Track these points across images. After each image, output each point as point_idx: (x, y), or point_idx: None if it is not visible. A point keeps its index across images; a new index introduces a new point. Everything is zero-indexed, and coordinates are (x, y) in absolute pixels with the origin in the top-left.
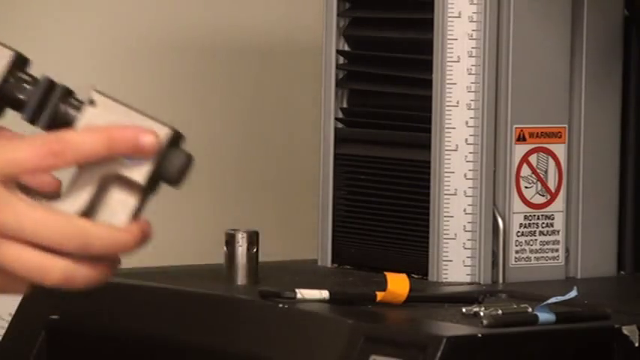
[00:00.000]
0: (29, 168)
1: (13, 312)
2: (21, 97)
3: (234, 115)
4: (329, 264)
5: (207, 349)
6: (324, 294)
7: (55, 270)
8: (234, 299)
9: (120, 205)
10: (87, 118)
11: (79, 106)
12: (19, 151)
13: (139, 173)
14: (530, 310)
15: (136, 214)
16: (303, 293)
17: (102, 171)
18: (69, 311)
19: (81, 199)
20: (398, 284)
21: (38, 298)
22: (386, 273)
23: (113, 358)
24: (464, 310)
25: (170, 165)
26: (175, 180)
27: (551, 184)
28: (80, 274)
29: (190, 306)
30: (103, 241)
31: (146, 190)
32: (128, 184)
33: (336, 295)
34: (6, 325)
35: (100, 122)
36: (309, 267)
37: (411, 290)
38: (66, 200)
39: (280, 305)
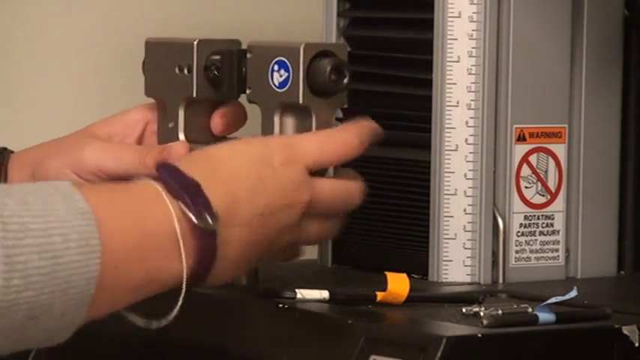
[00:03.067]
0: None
1: None
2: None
3: None
4: (329, 264)
5: (207, 349)
6: (324, 294)
7: (329, 233)
8: (235, 299)
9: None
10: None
11: None
12: (320, 146)
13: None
14: (530, 310)
15: None
16: (303, 293)
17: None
18: None
19: None
20: (398, 284)
21: None
22: (386, 273)
23: (113, 358)
24: (464, 310)
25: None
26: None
27: (551, 184)
28: (336, 228)
29: (190, 306)
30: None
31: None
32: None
33: (336, 296)
34: None
35: None
36: (309, 267)
37: (411, 290)
38: None
39: (280, 305)
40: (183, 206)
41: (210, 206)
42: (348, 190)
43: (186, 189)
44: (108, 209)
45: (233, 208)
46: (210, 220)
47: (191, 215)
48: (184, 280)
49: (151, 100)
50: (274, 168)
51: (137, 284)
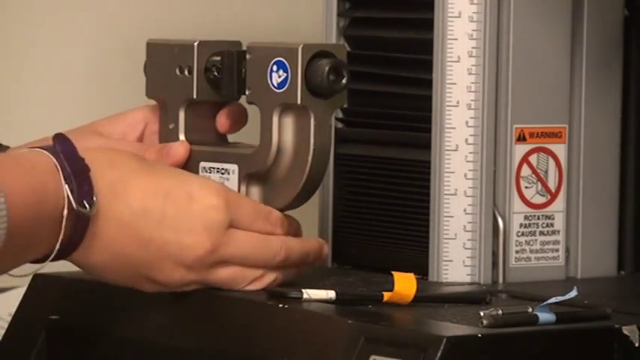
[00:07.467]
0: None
1: (13, 312)
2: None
3: None
4: (329, 264)
5: (207, 350)
6: (331, 294)
7: (244, 282)
8: (235, 299)
9: None
10: None
11: None
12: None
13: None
14: (530, 310)
15: None
16: (310, 293)
17: None
18: (69, 311)
19: None
20: (405, 284)
21: (38, 298)
22: (393, 273)
23: (113, 358)
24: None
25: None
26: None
27: (551, 184)
28: (268, 279)
29: (190, 306)
30: (301, 253)
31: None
32: None
33: (343, 296)
34: (6, 325)
35: None
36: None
37: (418, 291)
38: None
39: (280, 305)
40: (68, 191)
41: (92, 193)
42: (265, 243)
43: (75, 173)
44: (15, 184)
45: (118, 194)
46: (87, 208)
47: (72, 201)
48: (54, 252)
49: (153, 102)
50: (193, 198)
51: (20, 252)
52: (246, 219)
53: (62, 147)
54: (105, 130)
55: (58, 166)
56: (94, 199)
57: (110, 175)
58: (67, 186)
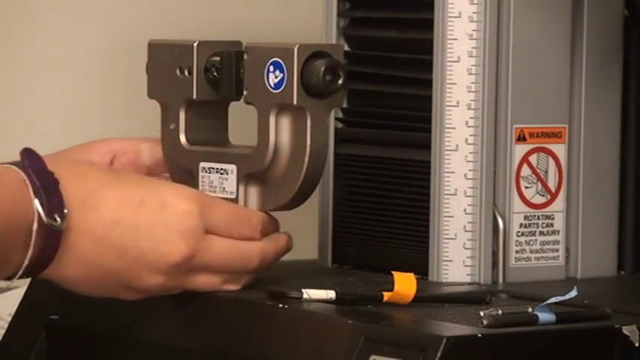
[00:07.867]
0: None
1: (13, 312)
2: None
3: (234, 115)
4: (329, 264)
5: (207, 350)
6: (331, 294)
7: (221, 287)
8: (235, 299)
9: None
10: None
11: None
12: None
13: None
14: (530, 310)
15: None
16: (310, 293)
17: None
18: (69, 311)
19: None
20: (405, 284)
21: (38, 298)
22: (393, 272)
23: (113, 359)
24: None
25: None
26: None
27: (551, 184)
28: (243, 280)
29: (190, 306)
30: (276, 255)
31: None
32: None
33: (343, 296)
34: (6, 325)
35: None
36: (309, 267)
37: (418, 291)
38: None
39: (280, 305)
40: (38, 204)
41: (62, 206)
42: (242, 251)
43: (45, 187)
44: None
45: (88, 206)
46: (58, 221)
47: (42, 215)
48: (22, 268)
49: (153, 103)
50: (166, 205)
51: None
52: (224, 224)
53: (30, 161)
54: (75, 157)
55: (27, 181)
56: (65, 212)
57: (80, 188)
58: (36, 200)
